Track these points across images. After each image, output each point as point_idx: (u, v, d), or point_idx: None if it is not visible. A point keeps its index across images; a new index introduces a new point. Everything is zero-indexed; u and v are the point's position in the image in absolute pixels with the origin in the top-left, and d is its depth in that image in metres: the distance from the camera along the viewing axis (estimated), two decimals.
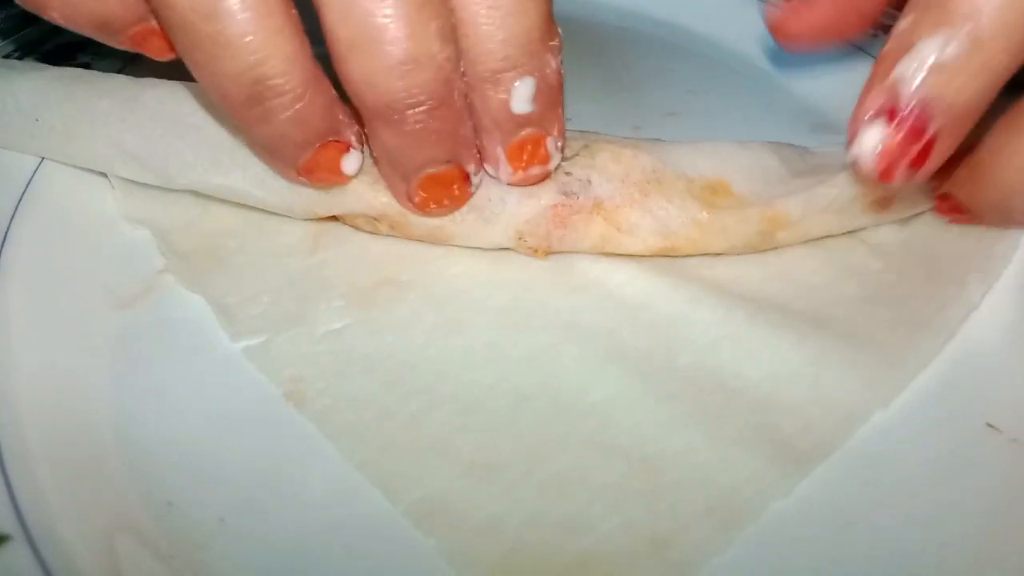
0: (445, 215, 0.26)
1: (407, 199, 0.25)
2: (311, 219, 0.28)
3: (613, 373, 0.24)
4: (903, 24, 0.22)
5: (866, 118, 0.22)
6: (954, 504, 0.22)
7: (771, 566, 0.20)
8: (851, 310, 0.26)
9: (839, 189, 0.26)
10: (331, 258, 0.27)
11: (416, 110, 0.22)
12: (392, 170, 0.24)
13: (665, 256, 0.27)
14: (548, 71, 0.23)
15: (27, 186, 0.28)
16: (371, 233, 0.28)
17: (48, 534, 0.19)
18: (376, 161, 0.25)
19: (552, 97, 0.23)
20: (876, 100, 0.22)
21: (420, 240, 0.27)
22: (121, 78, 0.28)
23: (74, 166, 0.28)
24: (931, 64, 0.21)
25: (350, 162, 0.24)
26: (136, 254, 0.27)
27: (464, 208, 0.26)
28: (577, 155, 0.27)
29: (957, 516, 0.22)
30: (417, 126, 0.22)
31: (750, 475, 0.22)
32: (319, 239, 0.28)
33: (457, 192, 0.25)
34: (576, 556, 0.20)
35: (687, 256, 0.27)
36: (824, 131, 0.35)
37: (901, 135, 0.22)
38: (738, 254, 0.28)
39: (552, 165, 0.25)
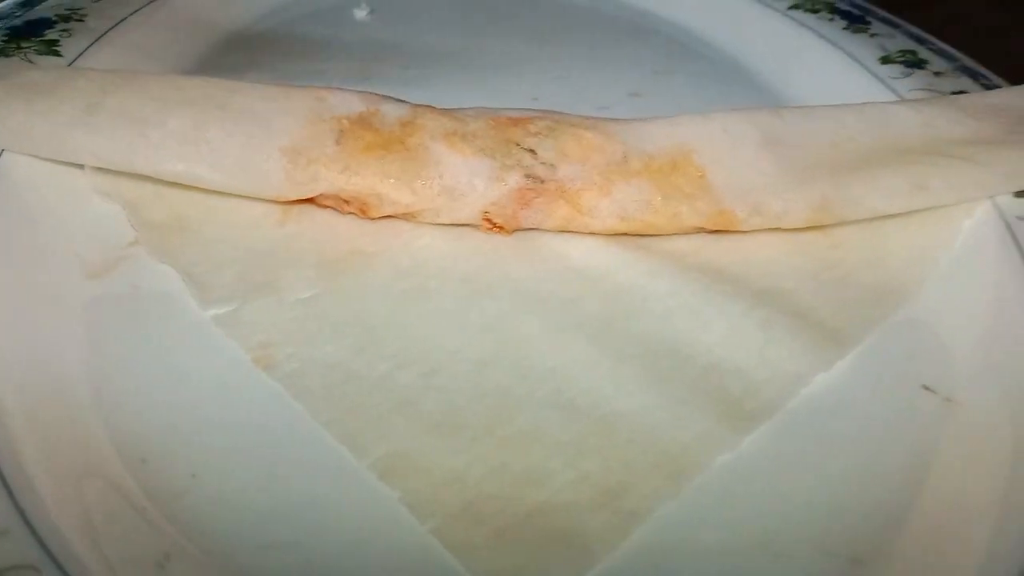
0: None
1: None
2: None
3: (572, 339, 0.25)
4: None
5: None
6: (891, 459, 0.23)
7: (717, 514, 0.21)
8: (800, 282, 0.28)
9: (784, 203, 0.28)
10: (300, 230, 0.28)
11: None
12: None
13: (625, 235, 0.28)
14: None
15: None
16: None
17: (24, 485, 0.19)
18: None
19: None
20: None
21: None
22: (83, 82, 0.28)
23: None
24: None
25: None
26: (107, 226, 0.28)
27: (434, 191, 0.27)
28: (540, 134, 0.28)
29: (894, 470, 0.23)
30: None
31: (699, 433, 0.23)
32: (287, 212, 0.29)
33: None
34: (533, 506, 0.21)
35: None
36: None
37: None
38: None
39: None
